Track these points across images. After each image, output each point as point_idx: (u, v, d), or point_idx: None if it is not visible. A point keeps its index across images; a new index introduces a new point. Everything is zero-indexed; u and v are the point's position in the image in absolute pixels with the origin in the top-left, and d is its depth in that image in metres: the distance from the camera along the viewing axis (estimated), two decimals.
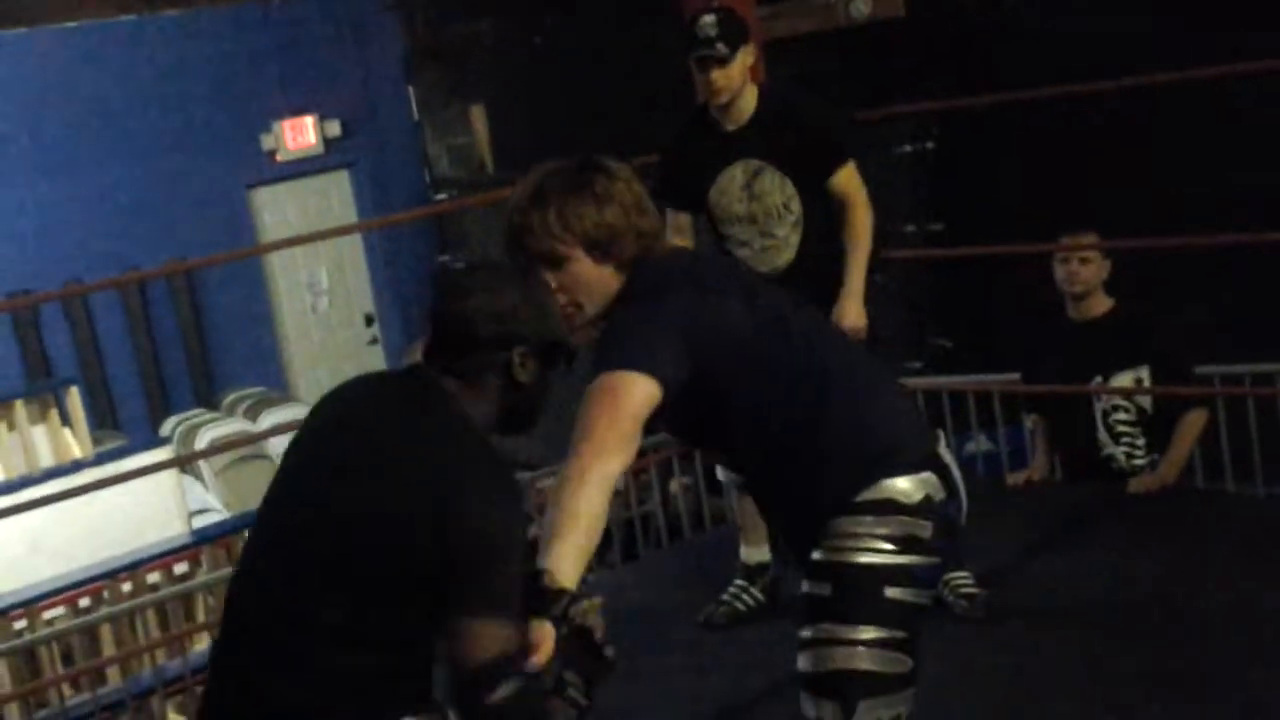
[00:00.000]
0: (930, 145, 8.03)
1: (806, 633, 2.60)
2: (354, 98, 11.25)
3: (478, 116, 11.04)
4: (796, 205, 4.08)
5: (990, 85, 6.21)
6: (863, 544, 2.54)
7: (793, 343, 2.62)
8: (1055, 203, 6.98)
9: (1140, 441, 4.89)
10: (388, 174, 11.33)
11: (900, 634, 2.55)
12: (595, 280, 2.64)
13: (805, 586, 2.65)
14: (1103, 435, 4.93)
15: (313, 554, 2.24)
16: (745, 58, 4.07)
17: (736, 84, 4.07)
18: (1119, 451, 4.91)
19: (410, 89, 11.11)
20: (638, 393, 2.49)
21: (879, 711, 2.54)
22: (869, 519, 2.55)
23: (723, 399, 2.59)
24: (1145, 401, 4.88)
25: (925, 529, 2.55)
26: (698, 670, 4.13)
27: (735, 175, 4.10)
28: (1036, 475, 5.18)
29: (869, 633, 2.53)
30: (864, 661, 2.53)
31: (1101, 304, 4.98)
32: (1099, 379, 4.93)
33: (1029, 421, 5.67)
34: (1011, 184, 7.55)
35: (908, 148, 8.01)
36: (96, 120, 10.41)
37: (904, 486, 2.56)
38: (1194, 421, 4.81)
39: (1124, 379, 4.89)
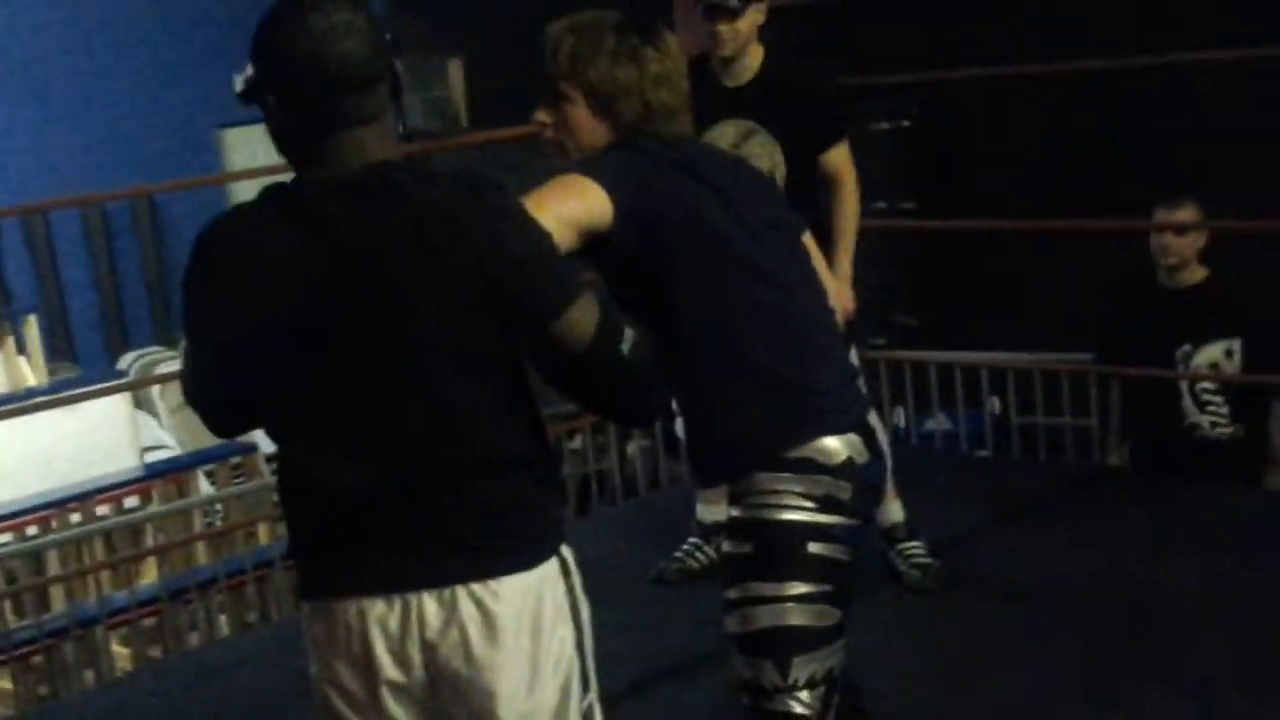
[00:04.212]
0: (907, 124, 8.01)
1: (732, 593, 2.57)
2: None
3: (455, 70, 10.96)
4: (782, 174, 4.01)
5: (973, 62, 6.20)
6: (782, 501, 2.53)
7: (762, 268, 2.57)
8: (1031, 185, 6.99)
9: (1225, 410, 4.91)
10: None
11: (827, 588, 2.53)
12: (587, 130, 2.59)
13: (725, 546, 2.63)
14: (1188, 404, 4.94)
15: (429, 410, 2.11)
16: (755, 15, 3.97)
17: (743, 40, 3.97)
18: (1205, 420, 4.92)
19: (387, 39, 11.01)
20: (591, 194, 2.45)
21: (813, 666, 2.53)
22: (788, 476, 2.53)
23: (671, 278, 2.53)
24: (1233, 371, 4.90)
25: (845, 490, 2.55)
26: (648, 627, 4.12)
27: (726, 132, 4.01)
28: (1117, 460, 5.20)
29: (796, 588, 2.52)
30: (794, 617, 2.52)
31: (1196, 274, 4.99)
32: (1187, 348, 4.94)
33: (991, 404, 5.69)
34: (985, 166, 7.55)
35: (885, 125, 7.99)
36: (68, 57, 10.30)
37: (829, 446, 2.55)
38: None
39: (1214, 350, 4.91)
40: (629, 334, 2.20)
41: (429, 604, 2.12)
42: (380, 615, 2.14)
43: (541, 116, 2.63)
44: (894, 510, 4.21)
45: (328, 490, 2.16)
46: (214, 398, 2.24)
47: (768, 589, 2.52)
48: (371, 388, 2.10)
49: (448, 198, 2.11)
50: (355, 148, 2.12)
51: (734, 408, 2.57)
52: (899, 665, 3.68)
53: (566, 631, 2.21)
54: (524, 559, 2.16)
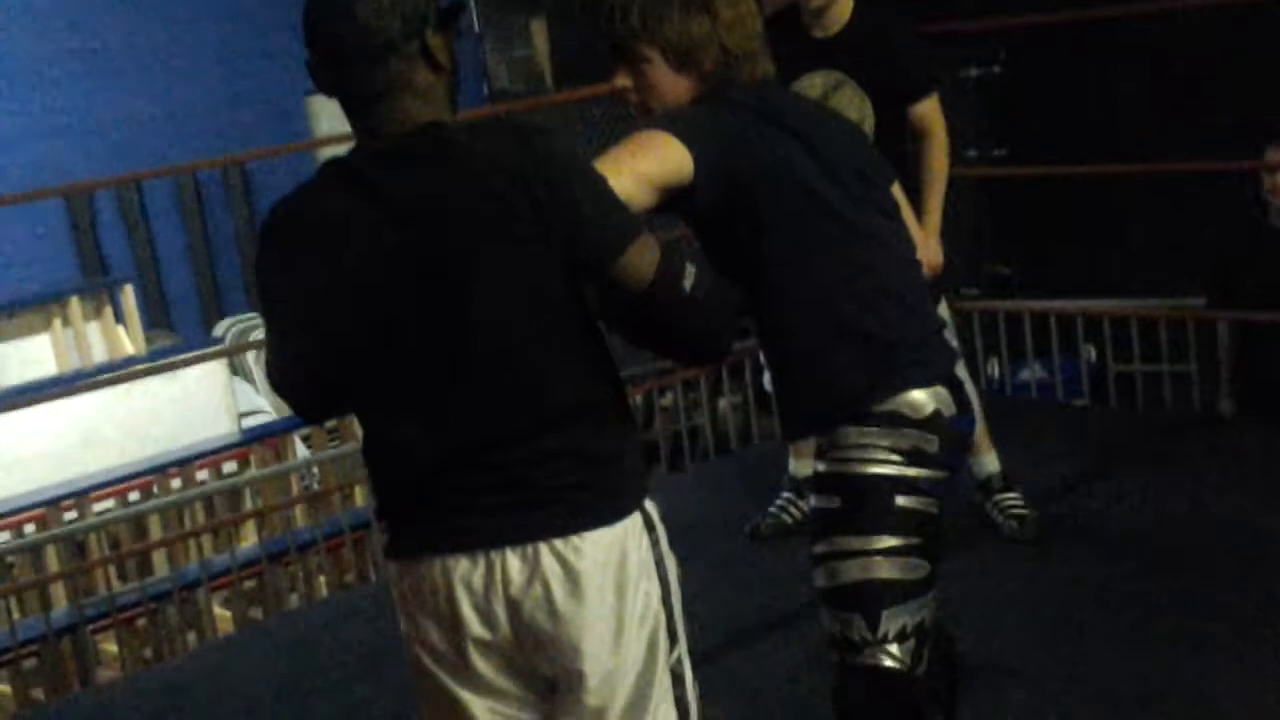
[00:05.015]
0: (997, 70, 7.92)
1: (820, 547, 2.55)
2: None
3: (539, 30, 10.95)
4: (870, 125, 3.92)
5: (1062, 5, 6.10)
6: (869, 454, 2.50)
7: (847, 219, 2.52)
8: (1124, 129, 6.88)
9: None
10: None
11: (915, 540, 2.51)
12: (669, 87, 2.56)
13: (813, 500, 2.61)
14: None
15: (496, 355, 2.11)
16: None
17: None
18: None
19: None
20: (670, 150, 2.40)
21: (903, 619, 2.50)
22: (874, 430, 2.51)
23: (755, 230, 2.49)
24: None
25: (932, 443, 2.51)
26: (742, 583, 4.12)
27: (815, 83, 3.94)
28: (1227, 407, 5.11)
29: (885, 541, 2.49)
30: (883, 570, 2.49)
31: None
32: None
33: (1087, 353, 5.60)
34: (1076, 111, 7.44)
35: (974, 72, 7.91)
36: (155, 24, 10.39)
37: (916, 399, 2.52)
38: None
39: None
40: (690, 270, 2.18)
41: (512, 560, 2.13)
42: (464, 573, 2.14)
43: (622, 81, 2.59)
44: (990, 461, 4.17)
45: (407, 450, 2.17)
46: (298, 378, 2.24)
47: (855, 543, 2.50)
48: (440, 345, 2.11)
49: (497, 149, 2.11)
50: (398, 114, 2.15)
51: (819, 361, 2.54)
52: (996, 617, 3.65)
53: (651, 586, 2.20)
54: (606, 514, 2.16)
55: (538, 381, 2.13)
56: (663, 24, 2.53)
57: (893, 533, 2.50)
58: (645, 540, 2.20)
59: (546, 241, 2.09)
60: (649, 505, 2.23)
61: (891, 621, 2.50)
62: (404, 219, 2.09)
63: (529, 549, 2.12)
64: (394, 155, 2.12)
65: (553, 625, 2.14)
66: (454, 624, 2.17)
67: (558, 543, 2.13)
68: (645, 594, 2.19)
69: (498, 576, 2.13)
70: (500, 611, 2.15)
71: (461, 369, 2.11)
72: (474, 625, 2.16)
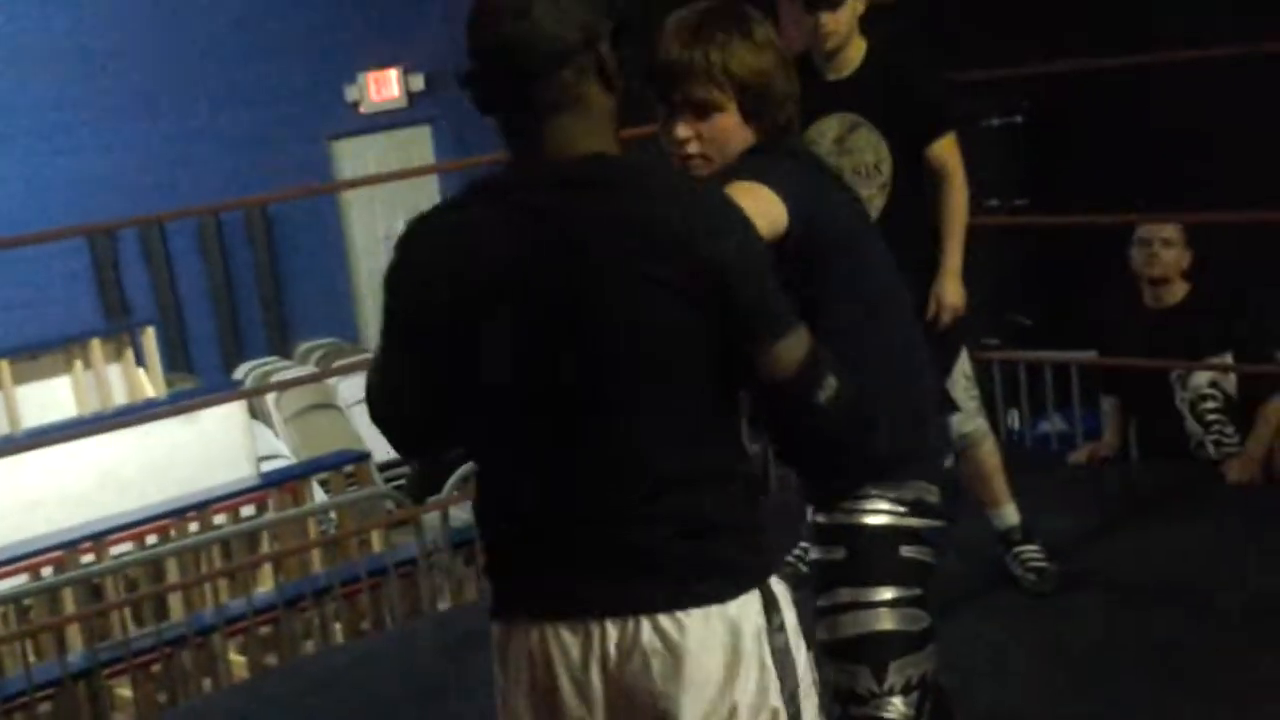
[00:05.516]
0: (1019, 119, 7.91)
1: (825, 601, 2.53)
2: (439, 52, 11.18)
3: None
4: (888, 168, 3.89)
5: (1085, 55, 6.10)
6: (873, 505, 2.49)
7: (885, 285, 2.52)
8: (1145, 182, 6.86)
9: (1230, 429, 4.82)
10: (470, 130, 11.26)
11: (917, 591, 2.50)
12: (736, 138, 2.46)
13: (816, 553, 2.59)
14: (1191, 424, 4.87)
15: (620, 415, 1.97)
16: (855, 5, 3.88)
17: (844, 31, 3.88)
18: (1209, 440, 4.83)
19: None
20: (770, 202, 2.33)
21: (909, 671, 2.49)
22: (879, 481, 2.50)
23: (822, 284, 2.41)
24: (1231, 388, 4.79)
25: (933, 493, 2.51)
26: None
27: (830, 127, 3.90)
28: (1104, 452, 5.10)
29: (890, 593, 2.48)
30: (888, 622, 2.48)
31: (1179, 290, 4.93)
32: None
33: (1105, 404, 5.58)
34: (1099, 161, 7.43)
35: (995, 121, 7.90)
36: (181, 67, 10.46)
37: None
38: (1275, 410, 4.72)
39: None
40: (830, 382, 2.03)
41: (611, 632, 1.99)
42: (562, 642, 2.01)
43: (684, 133, 2.47)
44: (1010, 513, 4.14)
45: (515, 508, 2.05)
46: (402, 410, 2.11)
47: (861, 594, 2.49)
48: (558, 396, 1.98)
49: (667, 203, 1.97)
50: (558, 137, 1.99)
51: None
52: (1016, 670, 3.62)
53: (767, 679, 2.01)
54: (716, 590, 1.99)
55: (654, 445, 1.99)
56: (742, 63, 2.42)
57: (896, 584, 2.50)
58: (765, 623, 2.02)
59: (699, 303, 1.94)
60: (774, 583, 2.04)
61: (898, 674, 2.49)
62: (545, 254, 1.95)
63: (630, 622, 1.97)
64: (552, 184, 1.97)
65: (651, 703, 1.99)
66: (549, 694, 2.03)
67: (661, 617, 1.97)
68: (760, 684, 2.00)
69: (595, 647, 1.99)
70: (596, 684, 2.00)
71: (578, 424, 1.98)
72: (569, 697, 2.01)
